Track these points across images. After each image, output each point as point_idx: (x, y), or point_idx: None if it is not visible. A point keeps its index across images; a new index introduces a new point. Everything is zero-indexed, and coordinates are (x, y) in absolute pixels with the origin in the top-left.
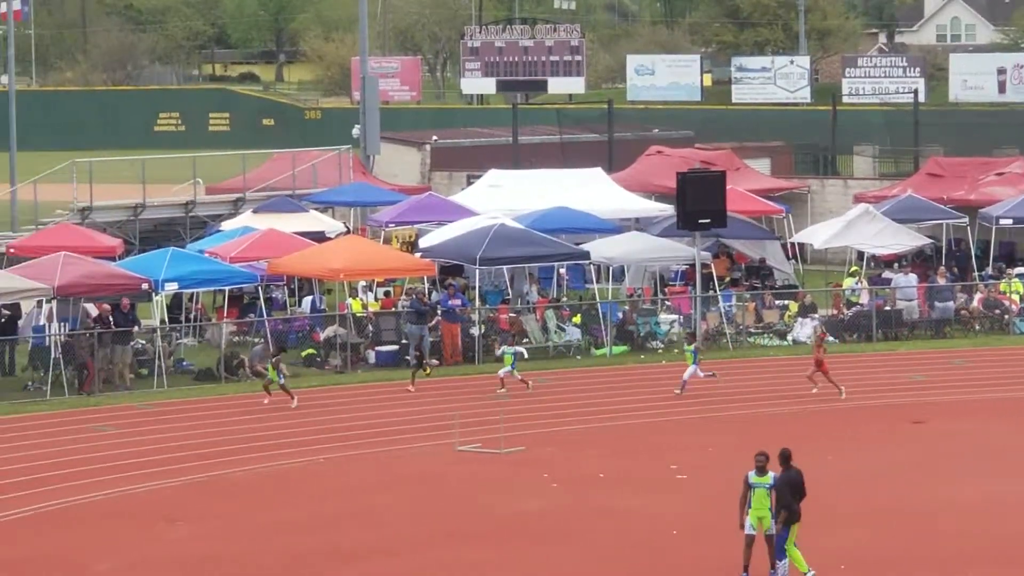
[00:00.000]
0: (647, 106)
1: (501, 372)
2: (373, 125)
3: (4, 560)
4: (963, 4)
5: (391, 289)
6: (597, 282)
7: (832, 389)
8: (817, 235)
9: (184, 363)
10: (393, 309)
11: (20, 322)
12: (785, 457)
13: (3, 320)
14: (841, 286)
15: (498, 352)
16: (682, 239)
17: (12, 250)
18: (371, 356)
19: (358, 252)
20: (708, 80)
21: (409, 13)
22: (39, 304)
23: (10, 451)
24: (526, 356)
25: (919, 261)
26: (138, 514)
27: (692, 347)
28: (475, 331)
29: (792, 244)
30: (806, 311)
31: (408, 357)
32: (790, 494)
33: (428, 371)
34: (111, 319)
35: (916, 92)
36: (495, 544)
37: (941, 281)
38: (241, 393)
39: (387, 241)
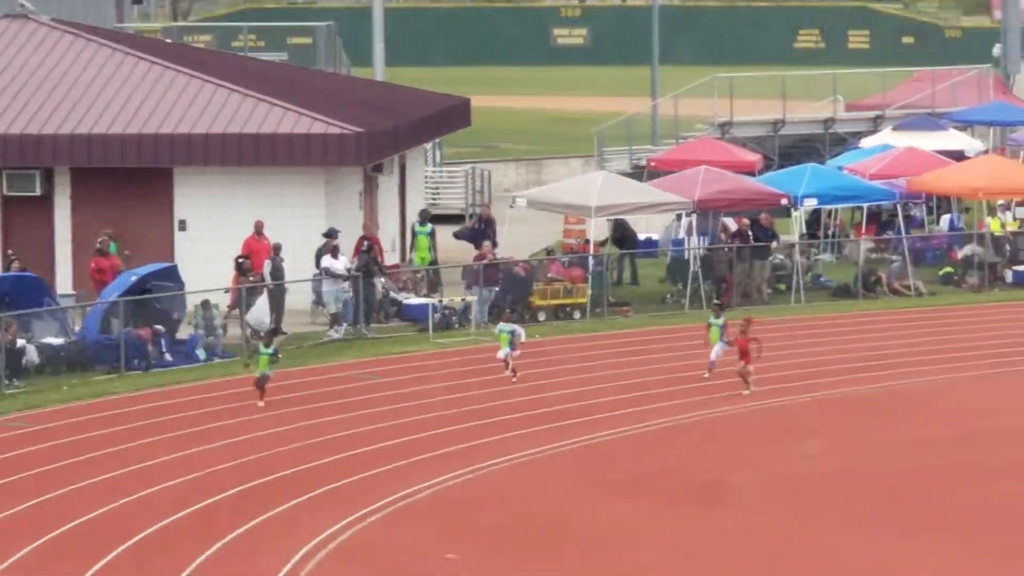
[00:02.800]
0: None
1: (500, 355)
2: (1014, 44)
3: (642, 471)
4: None
5: None
6: None
7: None
8: None
9: (821, 279)
10: None
11: (659, 236)
12: None
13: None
14: None
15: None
16: None
17: (653, 164)
18: (1008, 275)
19: (997, 171)
20: None
21: None
22: (678, 217)
23: (649, 363)
24: (523, 338)
25: None
26: (774, 428)
27: None
28: None
29: None
30: None
31: None
32: None
33: None
34: (750, 233)
35: None
36: None
37: None
38: (878, 310)
39: None
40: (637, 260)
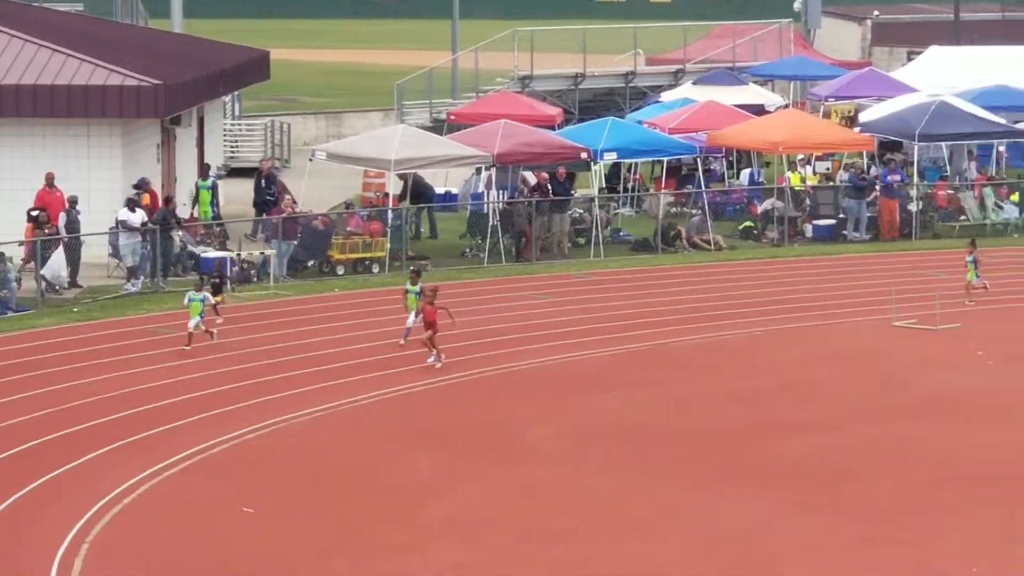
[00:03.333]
0: None
1: (190, 324)
2: None
3: (444, 424)
4: None
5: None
6: None
7: None
8: None
9: (621, 233)
10: (831, 183)
11: (458, 190)
12: None
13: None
14: None
15: (184, 301)
16: None
17: (453, 117)
18: (808, 230)
19: (797, 126)
20: None
21: None
22: (478, 171)
23: (445, 317)
24: (224, 302)
25: None
26: (574, 381)
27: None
28: (913, 207)
29: None
30: None
31: (845, 232)
32: None
33: None
34: (550, 187)
35: None
36: (929, 418)
37: None
38: (677, 264)
39: (826, 115)
40: (436, 214)
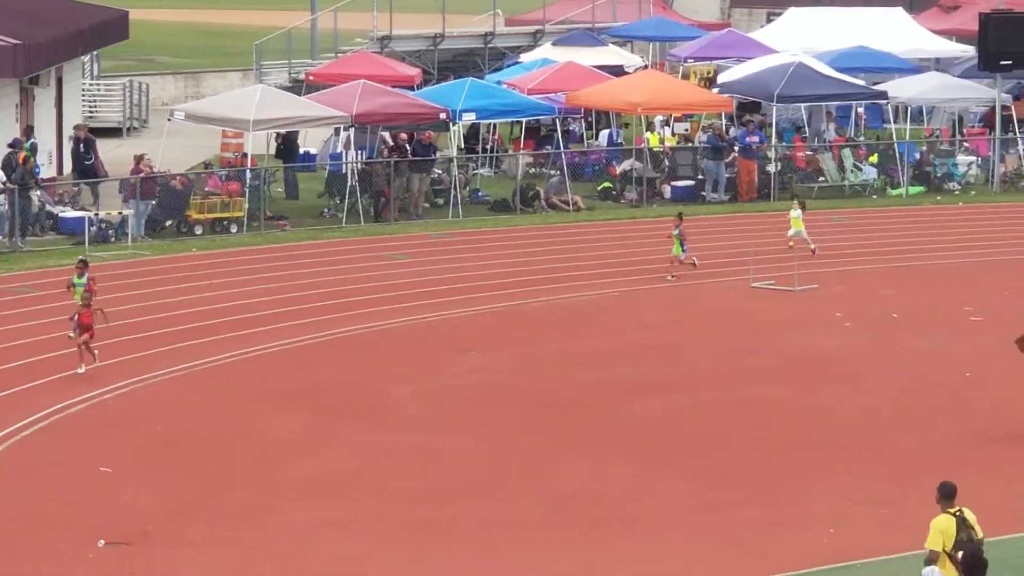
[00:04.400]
0: None
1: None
2: None
3: (303, 385)
4: None
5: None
6: (895, 122)
7: None
8: None
9: (480, 193)
10: (690, 144)
11: (317, 151)
12: None
13: (280, 145)
14: None
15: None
16: (982, 81)
17: (311, 77)
18: (667, 191)
19: (656, 86)
20: None
21: None
22: (336, 132)
23: (306, 277)
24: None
25: None
26: (432, 342)
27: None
28: (771, 168)
29: None
30: None
31: (704, 193)
32: None
33: None
34: (408, 148)
35: None
36: (787, 380)
37: None
38: (536, 225)
39: (685, 76)
40: (296, 174)
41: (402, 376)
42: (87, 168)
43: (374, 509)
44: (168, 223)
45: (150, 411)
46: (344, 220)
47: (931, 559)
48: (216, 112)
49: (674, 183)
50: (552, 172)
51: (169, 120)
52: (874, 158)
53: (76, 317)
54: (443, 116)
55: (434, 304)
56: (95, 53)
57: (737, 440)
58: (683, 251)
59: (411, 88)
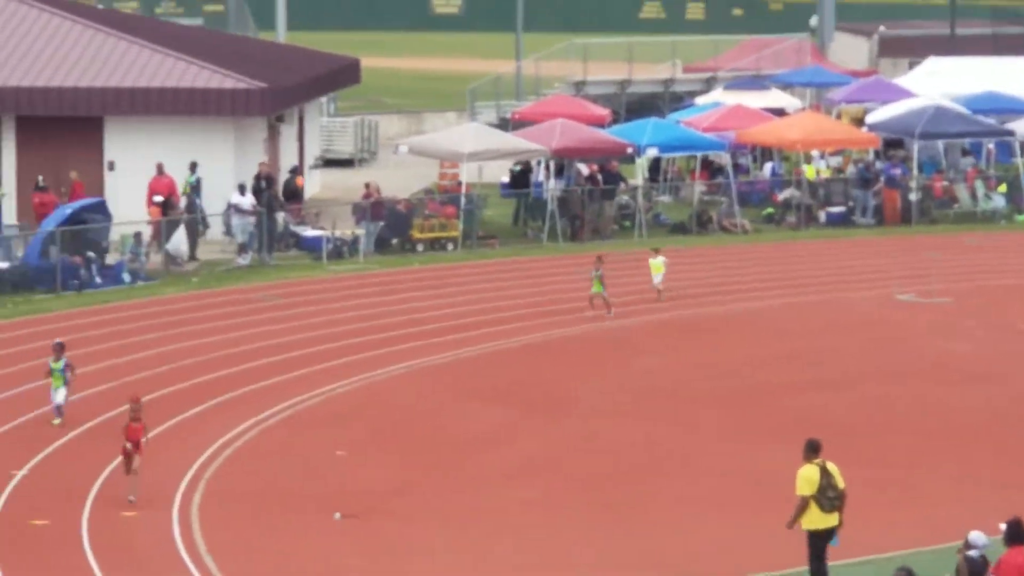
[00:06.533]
0: None
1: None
2: (829, 15)
3: (504, 382)
4: None
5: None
6: (1021, 156)
7: None
8: None
9: (661, 217)
10: (842, 175)
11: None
12: None
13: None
14: None
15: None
16: None
17: (517, 116)
18: (822, 216)
19: (813, 126)
20: None
21: None
22: (538, 163)
23: (511, 288)
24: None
25: None
26: (613, 347)
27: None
28: (913, 196)
29: None
30: None
31: (854, 218)
32: None
33: None
34: (600, 178)
35: None
36: (923, 381)
37: None
38: (709, 244)
39: (838, 117)
40: (495, 200)
41: (589, 375)
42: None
43: (569, 489)
44: (394, 241)
45: (377, 403)
46: (545, 240)
47: (802, 504)
48: (435, 146)
49: (828, 209)
50: (723, 199)
51: (395, 153)
52: (1003, 188)
53: (125, 431)
54: (630, 150)
55: (619, 313)
56: (332, 95)
57: (883, 430)
58: (602, 289)
59: (602, 126)
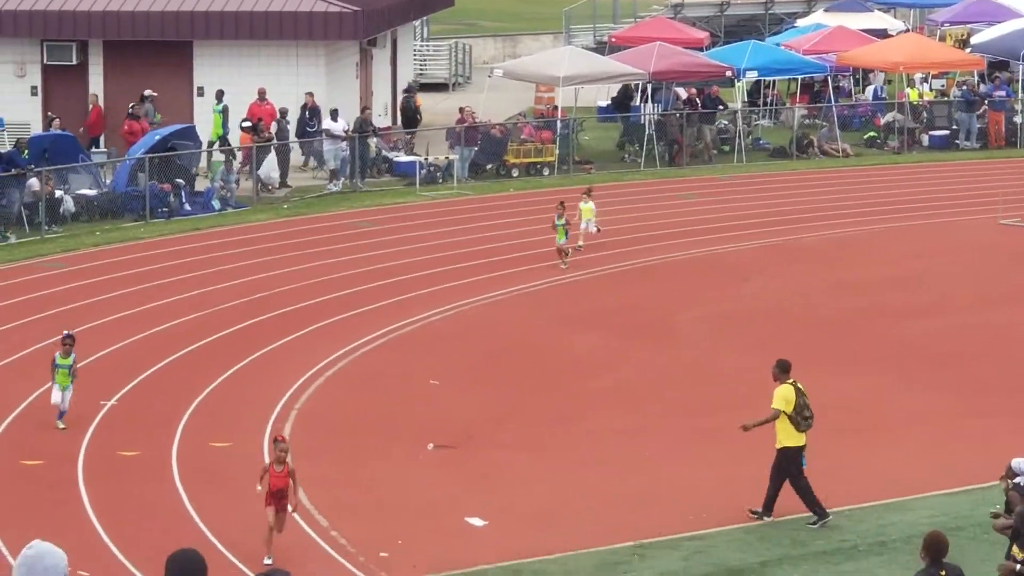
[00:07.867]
0: None
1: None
2: None
3: (601, 308)
4: None
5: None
6: None
7: None
8: None
9: (760, 141)
10: (946, 98)
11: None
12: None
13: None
14: None
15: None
16: None
17: (614, 39)
18: (925, 139)
19: (916, 47)
20: None
21: None
22: (636, 87)
23: (608, 215)
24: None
25: None
26: (716, 271)
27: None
28: (1018, 119)
29: None
30: None
31: (957, 141)
32: None
33: None
34: (698, 101)
35: None
36: None
37: None
38: (809, 169)
39: (942, 38)
40: (598, 123)
41: (688, 301)
42: (307, 132)
43: (662, 418)
44: (488, 167)
45: (472, 331)
46: (642, 164)
47: (773, 417)
48: (531, 70)
49: (931, 133)
50: (824, 123)
51: (489, 77)
52: None
53: (264, 477)
54: (729, 73)
55: (718, 239)
56: (425, 18)
57: (982, 358)
58: (565, 237)
59: (700, 49)
